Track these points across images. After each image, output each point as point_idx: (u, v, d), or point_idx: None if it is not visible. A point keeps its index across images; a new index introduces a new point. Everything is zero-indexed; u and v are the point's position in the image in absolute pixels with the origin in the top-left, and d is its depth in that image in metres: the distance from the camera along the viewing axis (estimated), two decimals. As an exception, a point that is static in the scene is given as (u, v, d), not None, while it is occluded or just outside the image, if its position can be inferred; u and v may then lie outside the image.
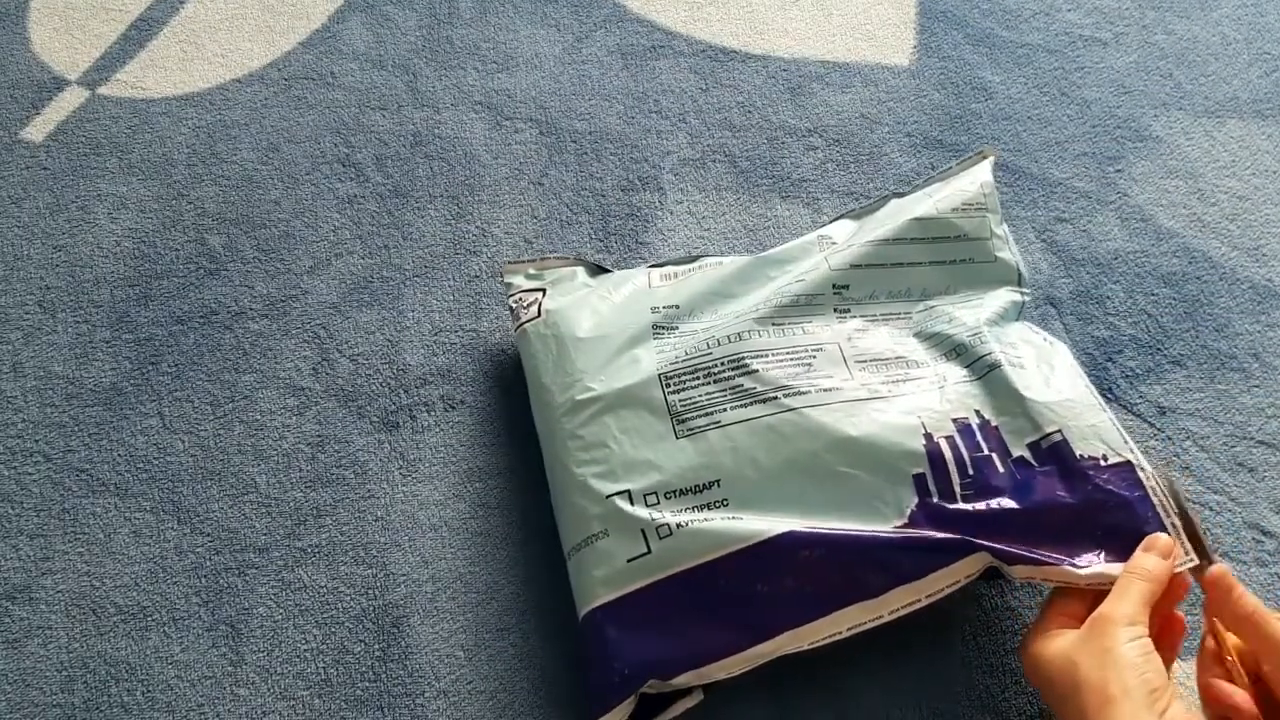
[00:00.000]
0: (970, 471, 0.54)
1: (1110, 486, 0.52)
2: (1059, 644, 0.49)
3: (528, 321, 0.66)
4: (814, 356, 0.59)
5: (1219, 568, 0.50)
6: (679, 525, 0.53)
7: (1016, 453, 0.54)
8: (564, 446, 0.59)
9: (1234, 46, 0.89)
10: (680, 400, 0.58)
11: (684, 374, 0.59)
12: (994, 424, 0.56)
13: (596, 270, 0.70)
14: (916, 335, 0.62)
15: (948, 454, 0.54)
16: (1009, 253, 0.65)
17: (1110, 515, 0.52)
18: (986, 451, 0.54)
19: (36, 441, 0.67)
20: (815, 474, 0.54)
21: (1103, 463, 0.53)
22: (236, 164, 0.81)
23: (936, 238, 0.64)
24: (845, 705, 0.57)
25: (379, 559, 0.63)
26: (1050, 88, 0.86)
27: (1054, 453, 0.54)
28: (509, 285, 0.69)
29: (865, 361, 0.59)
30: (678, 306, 0.64)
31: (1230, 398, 0.69)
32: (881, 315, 0.63)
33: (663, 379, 0.59)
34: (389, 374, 0.70)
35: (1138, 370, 0.70)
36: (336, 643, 0.60)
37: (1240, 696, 0.49)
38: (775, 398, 0.57)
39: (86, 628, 0.60)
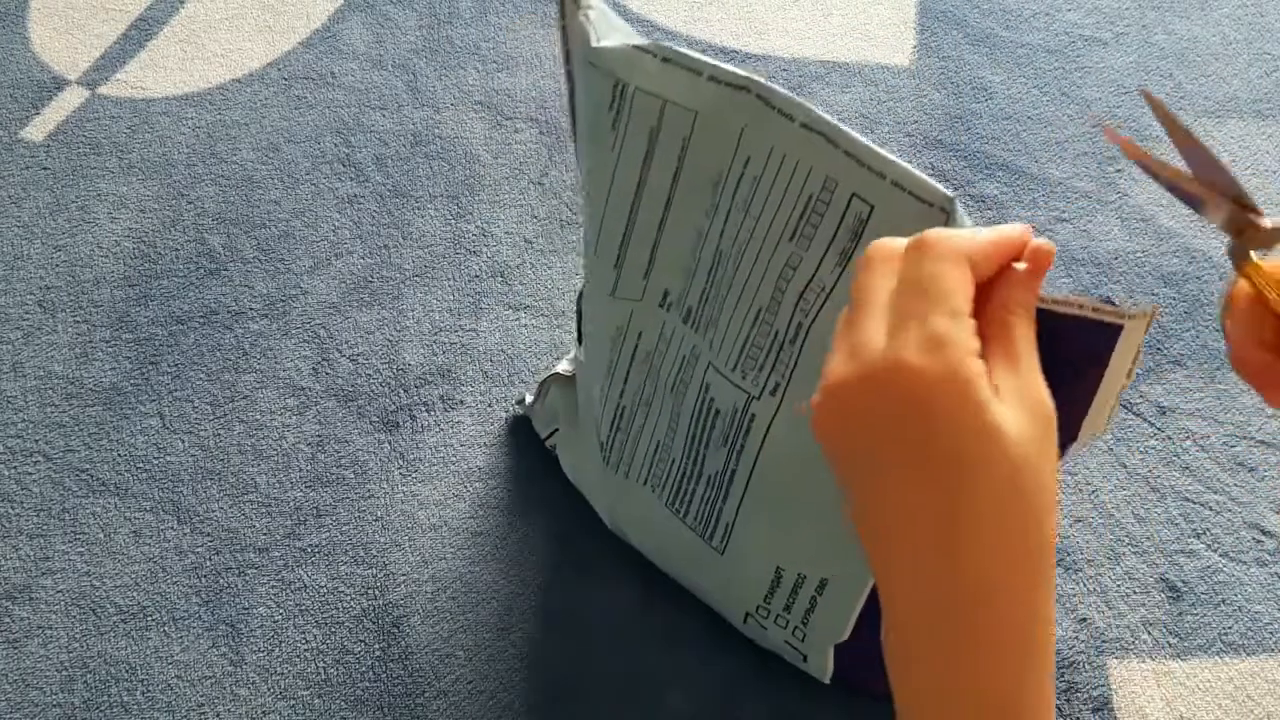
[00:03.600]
0: None
1: None
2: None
3: None
4: None
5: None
6: None
7: None
8: None
9: (1234, 46, 0.89)
10: None
11: None
12: None
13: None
14: None
15: None
16: None
17: None
18: None
19: (36, 441, 0.67)
20: None
21: None
22: (236, 164, 0.81)
23: None
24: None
25: (379, 559, 0.63)
26: (1050, 88, 0.86)
27: None
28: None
29: None
30: None
31: (1230, 397, 0.69)
32: None
33: None
34: (389, 374, 0.70)
35: (1138, 370, 0.70)
36: (336, 643, 0.60)
37: None
38: None
39: (86, 628, 0.60)
